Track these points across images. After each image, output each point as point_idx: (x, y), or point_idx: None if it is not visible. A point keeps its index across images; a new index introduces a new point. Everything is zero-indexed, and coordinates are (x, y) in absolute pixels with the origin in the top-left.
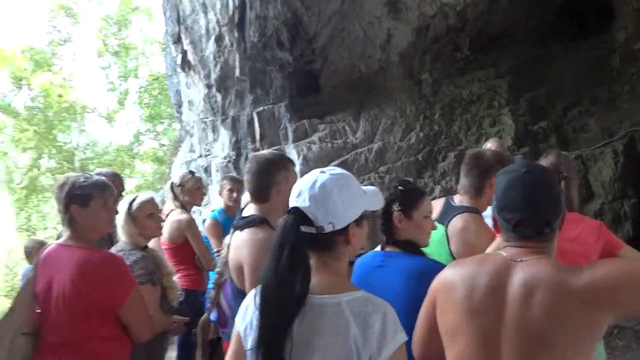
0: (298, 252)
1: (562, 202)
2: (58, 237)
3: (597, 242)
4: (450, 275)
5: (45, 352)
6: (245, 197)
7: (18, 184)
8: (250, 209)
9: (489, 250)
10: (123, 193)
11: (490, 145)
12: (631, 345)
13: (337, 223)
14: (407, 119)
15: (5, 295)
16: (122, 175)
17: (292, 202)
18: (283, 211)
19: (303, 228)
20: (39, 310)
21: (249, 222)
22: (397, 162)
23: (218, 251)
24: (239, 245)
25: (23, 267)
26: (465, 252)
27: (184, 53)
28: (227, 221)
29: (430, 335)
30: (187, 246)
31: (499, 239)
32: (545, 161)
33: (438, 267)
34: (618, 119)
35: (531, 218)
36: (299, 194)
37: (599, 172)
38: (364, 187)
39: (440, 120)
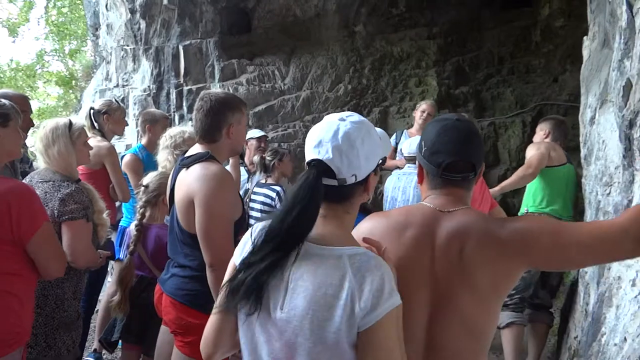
0: (318, 206)
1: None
2: None
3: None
4: (370, 228)
5: None
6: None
7: None
8: (195, 148)
9: None
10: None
11: (424, 106)
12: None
13: (360, 174)
14: (338, 70)
15: None
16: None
17: (311, 153)
18: (230, 153)
19: (325, 181)
20: None
21: (198, 158)
22: (324, 112)
23: (137, 187)
24: (189, 182)
25: None
26: None
27: None
28: (147, 157)
29: None
30: (103, 174)
31: None
32: None
33: None
34: (531, 92)
35: (461, 161)
36: (319, 144)
37: (507, 140)
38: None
39: (369, 75)
